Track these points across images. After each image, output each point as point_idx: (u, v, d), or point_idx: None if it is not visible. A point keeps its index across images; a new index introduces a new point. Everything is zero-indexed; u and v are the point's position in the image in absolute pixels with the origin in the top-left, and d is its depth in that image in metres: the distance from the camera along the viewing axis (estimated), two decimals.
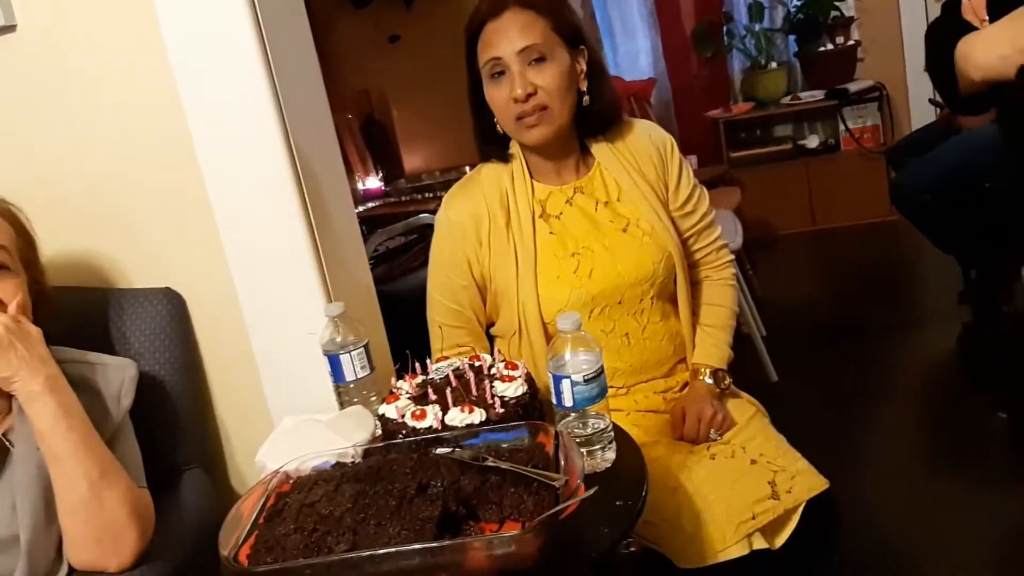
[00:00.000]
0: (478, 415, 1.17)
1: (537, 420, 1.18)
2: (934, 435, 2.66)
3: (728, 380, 1.55)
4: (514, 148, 1.54)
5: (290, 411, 1.36)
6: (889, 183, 3.46)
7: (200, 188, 1.41)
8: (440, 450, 1.12)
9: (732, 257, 1.65)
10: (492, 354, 1.56)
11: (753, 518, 1.32)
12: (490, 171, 1.54)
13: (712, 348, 1.55)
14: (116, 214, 1.49)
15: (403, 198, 2.63)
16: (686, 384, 1.56)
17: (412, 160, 2.97)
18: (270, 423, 1.43)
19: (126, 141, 1.45)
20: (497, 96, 1.45)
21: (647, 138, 1.57)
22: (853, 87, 4.65)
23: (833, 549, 1.47)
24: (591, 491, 0.96)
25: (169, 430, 1.39)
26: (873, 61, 4.78)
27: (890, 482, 2.38)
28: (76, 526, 1.10)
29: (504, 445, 1.12)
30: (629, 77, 4.96)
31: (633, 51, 5.29)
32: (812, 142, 4.87)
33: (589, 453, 1.13)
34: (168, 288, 1.44)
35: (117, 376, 1.28)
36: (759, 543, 1.32)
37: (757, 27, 4.85)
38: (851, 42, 4.75)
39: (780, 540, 1.36)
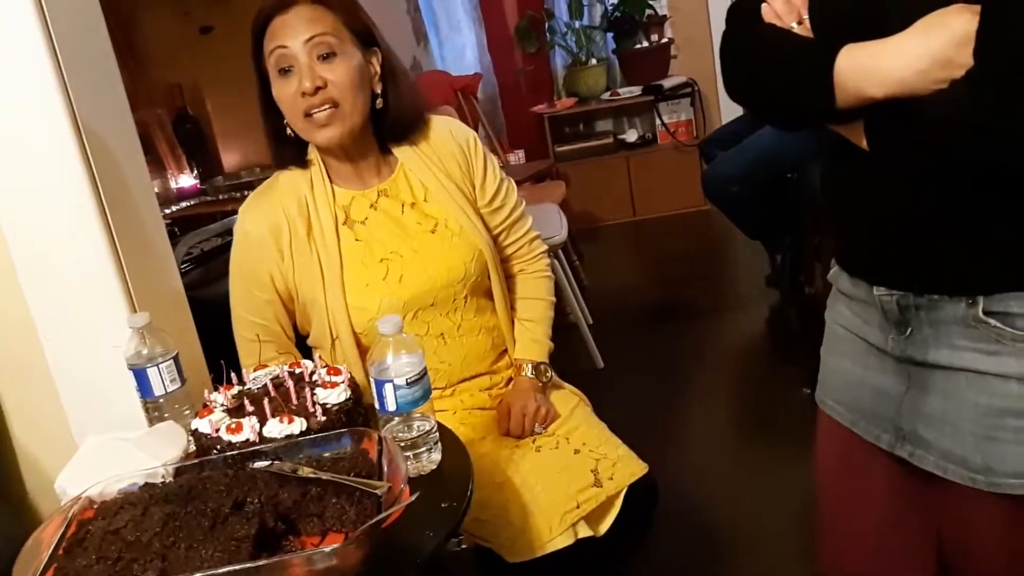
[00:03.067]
0: (298, 425, 1.14)
1: (361, 426, 1.15)
2: (747, 411, 2.85)
3: (550, 373, 1.58)
4: (312, 153, 1.49)
5: (95, 430, 1.27)
6: (701, 174, 3.65)
7: None
8: (258, 464, 1.08)
9: (546, 248, 1.68)
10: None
11: (577, 507, 1.36)
12: (288, 178, 1.49)
13: (531, 343, 1.58)
14: None
15: (220, 196, 2.51)
16: (511, 379, 1.58)
17: (230, 156, 2.85)
18: (73, 444, 1.33)
19: None
20: (285, 92, 1.39)
21: (449, 136, 1.56)
22: (667, 83, 4.87)
23: (652, 530, 1.54)
24: (413, 497, 0.95)
25: None
26: (685, 58, 5.03)
27: (706, 458, 2.53)
28: None
29: (326, 455, 1.09)
30: (456, 71, 4.97)
31: (459, 45, 5.31)
32: (631, 136, 5.06)
33: (415, 456, 1.12)
34: None
35: None
36: (584, 531, 1.36)
37: (577, 24, 4.98)
38: (664, 40, 4.97)
39: (604, 526, 1.41)
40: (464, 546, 1.46)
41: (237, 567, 0.88)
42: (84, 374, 1.35)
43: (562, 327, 3.30)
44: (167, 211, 2.37)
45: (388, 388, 1.08)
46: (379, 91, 1.46)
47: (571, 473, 1.41)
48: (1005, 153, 0.81)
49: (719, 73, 1.08)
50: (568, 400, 1.57)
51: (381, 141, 1.51)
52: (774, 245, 3.55)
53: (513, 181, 1.64)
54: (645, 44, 4.95)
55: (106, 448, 1.18)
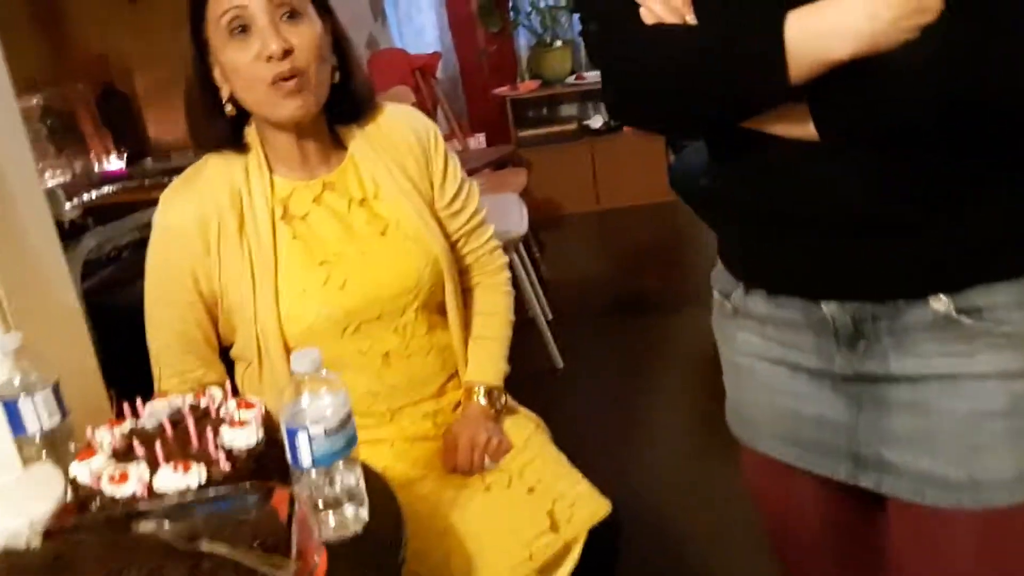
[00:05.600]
0: (196, 475, 0.95)
1: (276, 475, 0.97)
2: (714, 411, 2.68)
3: (504, 398, 1.41)
4: (250, 136, 1.30)
5: None
6: (668, 165, 3.50)
7: None
8: (145, 525, 0.89)
9: (506, 260, 1.50)
10: (234, 383, 1.34)
11: (530, 558, 1.20)
12: (218, 164, 1.29)
13: (487, 363, 1.40)
14: None
15: (147, 181, 2.29)
16: (459, 404, 1.40)
17: (161, 136, 2.62)
18: None
19: None
20: (241, 58, 1.19)
21: (407, 127, 1.38)
22: None
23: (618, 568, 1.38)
24: None
25: None
26: None
27: (672, 463, 2.38)
28: None
29: (229, 514, 0.91)
30: (413, 50, 4.75)
31: (418, 24, 5.09)
32: (596, 122, 4.90)
33: (337, 515, 0.94)
34: None
35: None
36: None
37: (542, 3, 4.79)
38: None
39: None
40: None
41: None
42: None
43: (519, 323, 3.17)
44: (88, 197, 2.15)
45: (302, 438, 0.90)
46: (335, 63, 1.28)
47: (524, 517, 1.24)
48: (997, 103, 0.72)
49: None
50: (523, 427, 1.39)
51: (330, 123, 1.34)
52: None
53: (476, 184, 1.46)
54: None
55: None
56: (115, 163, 2.52)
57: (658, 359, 3.02)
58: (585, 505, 1.28)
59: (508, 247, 3.04)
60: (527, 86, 4.88)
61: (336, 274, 1.26)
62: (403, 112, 1.40)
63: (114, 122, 2.56)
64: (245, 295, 1.25)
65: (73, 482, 0.97)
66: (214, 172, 1.28)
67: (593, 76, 4.77)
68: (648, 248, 4.29)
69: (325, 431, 0.90)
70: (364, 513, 0.97)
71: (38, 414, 1.05)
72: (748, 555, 1.86)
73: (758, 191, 0.89)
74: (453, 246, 1.40)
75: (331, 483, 0.94)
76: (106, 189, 2.24)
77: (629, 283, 3.87)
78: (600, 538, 1.31)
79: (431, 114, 4.43)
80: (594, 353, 3.17)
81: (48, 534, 0.91)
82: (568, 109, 5.10)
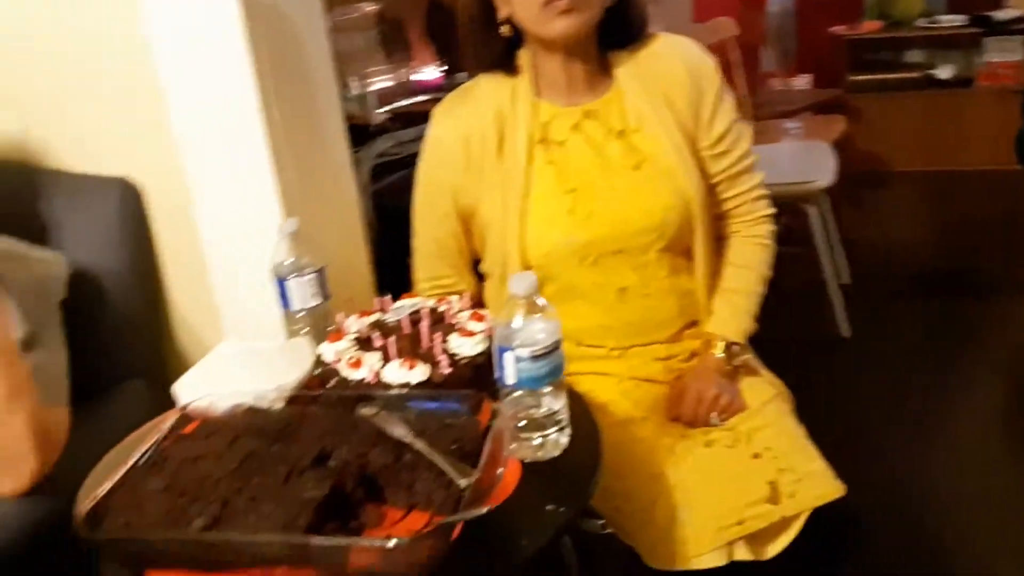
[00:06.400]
0: (419, 373, 1.01)
1: (490, 389, 1.00)
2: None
3: (745, 356, 1.33)
4: (522, 59, 1.32)
5: (240, 332, 1.23)
6: (1018, 130, 3.02)
7: (151, 69, 1.23)
8: (366, 410, 0.97)
9: (772, 211, 1.40)
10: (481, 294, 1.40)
11: (740, 523, 1.14)
12: (489, 83, 1.33)
13: (730, 317, 1.33)
14: (49, 90, 1.34)
15: None
16: (695, 354, 1.35)
17: None
18: (221, 341, 1.30)
19: (68, 13, 1.29)
20: None
21: (680, 60, 1.31)
22: (1000, 15, 4.11)
23: (839, 567, 1.27)
24: (484, 509, 0.78)
25: (111, 336, 1.27)
26: None
27: (960, 466, 2.09)
28: None
29: (437, 414, 0.96)
30: None
31: None
32: (944, 72, 4.35)
33: (538, 437, 0.96)
34: (123, 179, 1.30)
35: (39, 271, 1.16)
36: (741, 554, 1.14)
37: None
38: None
39: (772, 550, 1.17)
40: (609, 530, 1.29)
41: (279, 538, 0.77)
42: (237, 275, 1.31)
43: (807, 284, 2.98)
44: (399, 104, 2.32)
45: (509, 358, 0.91)
46: None
47: (742, 481, 1.17)
48: None
49: None
50: (762, 391, 1.31)
51: (601, 49, 1.32)
52: None
53: (748, 127, 1.36)
54: None
55: (232, 359, 1.14)
56: (432, 73, 2.68)
57: (967, 347, 2.66)
58: (814, 484, 1.19)
59: (808, 199, 2.87)
60: (869, 26, 4.44)
61: (582, 203, 1.26)
62: (679, 44, 1.34)
63: (438, 35, 2.71)
64: (495, 213, 1.28)
65: (319, 359, 1.08)
66: (483, 92, 1.32)
67: (948, 20, 4.24)
68: (983, 220, 3.78)
69: (532, 355, 0.91)
70: (564, 439, 0.97)
71: (303, 294, 1.17)
72: None
73: None
74: (712, 190, 1.33)
75: (536, 405, 0.96)
76: (418, 98, 2.40)
77: (951, 257, 3.44)
78: (829, 523, 1.22)
79: (755, 50, 4.21)
80: (891, 328, 2.88)
81: (290, 400, 1.03)
82: (913, 55, 4.57)
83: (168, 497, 0.84)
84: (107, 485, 0.87)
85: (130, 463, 0.91)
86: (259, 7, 1.19)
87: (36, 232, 1.27)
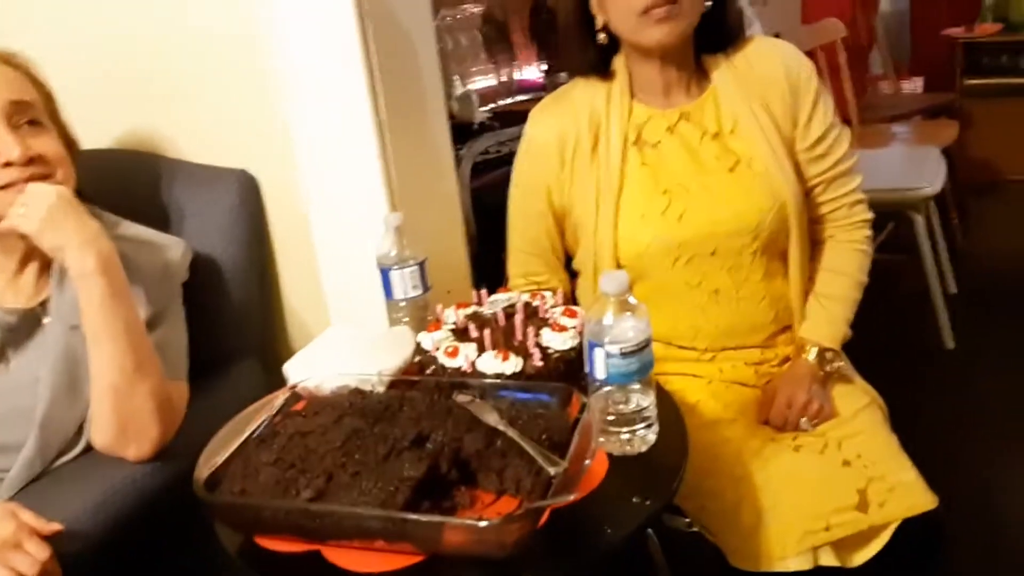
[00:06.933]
0: (512, 364, 1.05)
1: (580, 383, 1.03)
2: None
3: (838, 363, 1.32)
4: (617, 64, 1.34)
5: (345, 318, 1.30)
6: None
7: (271, 71, 1.31)
8: (461, 397, 1.01)
9: (870, 216, 1.38)
10: (574, 290, 1.43)
11: (827, 529, 1.14)
12: (585, 87, 1.36)
13: (824, 323, 1.32)
14: (178, 86, 1.43)
15: None
16: (787, 359, 1.35)
17: None
18: (330, 325, 1.37)
19: (192, 13, 1.38)
20: None
21: (778, 62, 1.31)
22: None
23: None
24: (569, 498, 0.82)
25: (227, 316, 1.36)
26: None
27: None
28: (102, 410, 1.10)
29: (528, 404, 1.00)
30: None
31: None
32: None
33: (626, 432, 0.99)
34: (243, 171, 1.39)
35: (163, 255, 1.24)
36: (827, 559, 1.14)
37: None
38: None
39: (859, 559, 1.16)
40: (694, 529, 1.30)
41: (380, 513, 0.83)
42: (344, 263, 1.38)
43: (911, 294, 2.89)
44: (501, 103, 2.36)
45: (599, 354, 0.94)
46: None
47: (831, 486, 1.17)
48: None
49: None
50: (855, 399, 1.30)
51: (697, 52, 1.34)
52: None
53: (847, 131, 1.35)
54: None
55: (338, 342, 1.20)
56: (534, 73, 2.72)
57: None
58: (906, 494, 1.18)
59: (915, 206, 2.79)
60: (986, 29, 4.26)
61: (676, 204, 1.28)
62: (775, 46, 1.34)
63: (540, 35, 2.75)
64: (589, 212, 1.31)
65: (418, 347, 1.14)
66: (579, 94, 1.35)
67: None
68: None
69: (622, 351, 0.94)
70: (651, 436, 1.00)
71: (405, 284, 1.23)
72: None
73: None
74: (809, 193, 1.33)
75: (625, 401, 0.98)
76: (520, 97, 2.44)
77: None
78: (919, 536, 1.20)
79: (864, 51, 4.10)
80: (996, 341, 2.76)
81: (391, 384, 1.09)
82: None
83: (278, 469, 0.91)
84: (224, 455, 0.94)
85: (244, 436, 0.98)
86: (373, 7, 1.25)
87: (162, 218, 1.37)
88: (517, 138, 1.44)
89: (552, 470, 0.87)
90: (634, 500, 0.91)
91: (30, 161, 1.13)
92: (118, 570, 1.09)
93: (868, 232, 1.38)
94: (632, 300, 0.96)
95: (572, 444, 0.90)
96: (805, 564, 1.13)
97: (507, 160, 2.05)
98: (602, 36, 1.32)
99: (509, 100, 2.47)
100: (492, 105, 2.41)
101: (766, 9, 3.29)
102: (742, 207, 1.28)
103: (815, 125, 1.31)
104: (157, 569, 1.14)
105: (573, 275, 1.44)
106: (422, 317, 1.26)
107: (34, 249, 1.15)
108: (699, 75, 1.34)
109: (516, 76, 2.66)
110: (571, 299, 1.41)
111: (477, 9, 2.59)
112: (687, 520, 1.29)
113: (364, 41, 1.24)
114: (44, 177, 1.14)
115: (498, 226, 1.49)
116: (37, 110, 1.17)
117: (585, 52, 1.35)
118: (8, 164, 1.11)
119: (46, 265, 1.20)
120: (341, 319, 1.38)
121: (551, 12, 2.82)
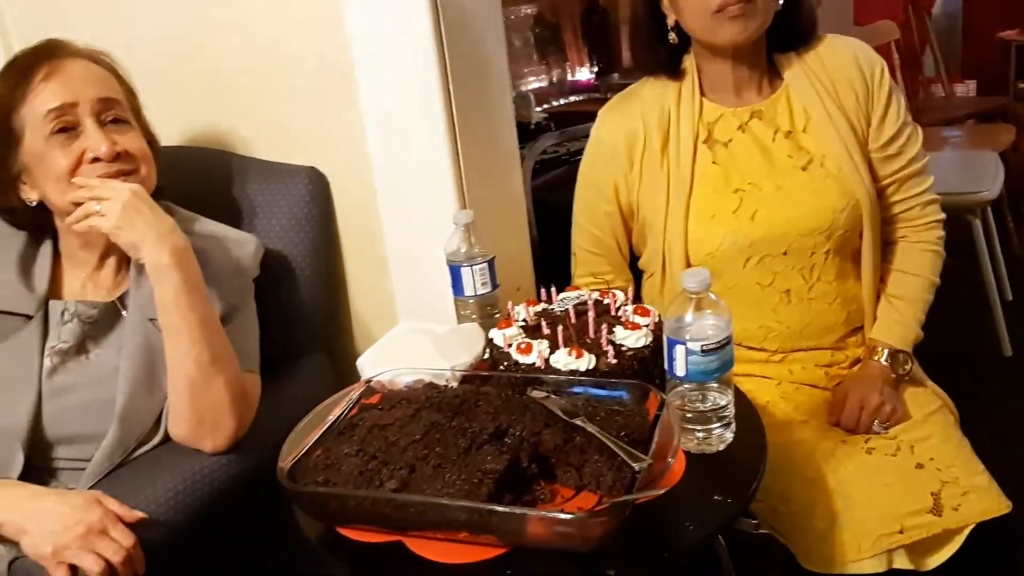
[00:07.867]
0: (586, 361, 1.05)
1: (653, 381, 1.03)
2: None
3: (910, 365, 1.31)
4: (687, 63, 1.34)
5: (412, 314, 1.31)
6: None
7: (348, 67, 1.33)
8: (536, 393, 1.01)
9: (942, 217, 1.36)
10: (638, 290, 1.42)
11: (901, 532, 1.12)
12: (654, 86, 1.35)
13: (895, 325, 1.31)
14: (252, 85, 1.45)
15: (609, 95, 2.44)
16: (858, 361, 1.33)
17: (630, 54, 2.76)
18: (396, 322, 1.38)
19: (277, 14, 1.40)
20: None
21: (851, 60, 1.30)
22: None
23: None
24: (662, 490, 0.82)
25: (297, 311, 1.37)
26: None
27: None
28: (179, 403, 1.12)
29: (604, 402, 1.00)
30: None
31: None
32: None
33: (703, 432, 0.98)
34: (313, 168, 1.40)
35: (237, 251, 1.26)
36: (902, 562, 1.13)
37: None
38: None
39: (933, 562, 1.15)
40: (762, 531, 1.29)
41: (467, 503, 0.83)
42: (413, 260, 1.39)
43: (968, 300, 2.83)
44: (556, 103, 2.37)
45: (680, 351, 0.94)
46: None
47: (904, 490, 1.16)
48: None
49: None
50: (926, 402, 1.29)
51: (771, 52, 1.33)
52: None
53: (919, 130, 1.34)
54: None
55: (409, 338, 1.21)
56: (586, 74, 2.73)
57: None
58: (980, 498, 1.16)
59: (971, 210, 2.74)
60: None
61: (748, 203, 1.27)
62: (848, 44, 1.33)
63: (592, 37, 2.76)
64: (658, 211, 1.31)
65: (490, 343, 1.14)
66: (649, 93, 1.35)
67: None
68: None
69: (702, 349, 0.94)
70: (729, 435, 0.99)
71: (474, 281, 1.24)
72: None
73: None
74: (881, 193, 1.32)
75: (703, 399, 0.98)
76: (572, 98, 2.45)
77: None
78: (992, 541, 1.19)
79: (917, 54, 4.04)
80: None
81: (464, 379, 1.09)
82: None
83: (360, 460, 0.92)
84: (305, 446, 0.95)
85: (324, 428, 0.99)
86: (449, 9, 1.26)
87: (234, 214, 1.39)
88: (574, 138, 1.45)
89: (636, 466, 0.86)
90: (715, 498, 0.91)
91: (116, 157, 1.15)
92: (194, 559, 1.10)
93: (941, 233, 1.36)
94: (713, 297, 0.95)
95: (654, 440, 0.90)
96: (879, 567, 1.12)
97: (564, 161, 2.07)
98: (672, 36, 1.31)
99: (563, 101, 2.47)
100: (546, 106, 2.42)
101: (819, 11, 3.27)
102: (815, 206, 1.26)
103: (888, 124, 1.30)
104: (231, 559, 1.16)
105: (637, 275, 1.44)
106: (489, 314, 1.27)
107: (112, 244, 1.18)
108: (771, 74, 1.33)
109: (570, 77, 2.66)
110: (636, 298, 1.40)
111: (530, 11, 2.60)
112: (755, 522, 1.28)
113: (439, 43, 1.25)
114: (129, 173, 1.17)
115: (558, 225, 1.50)
116: (123, 108, 1.20)
117: (655, 51, 1.34)
118: (96, 160, 1.14)
119: (125, 259, 1.22)
120: (408, 315, 1.40)
121: (602, 14, 2.83)
